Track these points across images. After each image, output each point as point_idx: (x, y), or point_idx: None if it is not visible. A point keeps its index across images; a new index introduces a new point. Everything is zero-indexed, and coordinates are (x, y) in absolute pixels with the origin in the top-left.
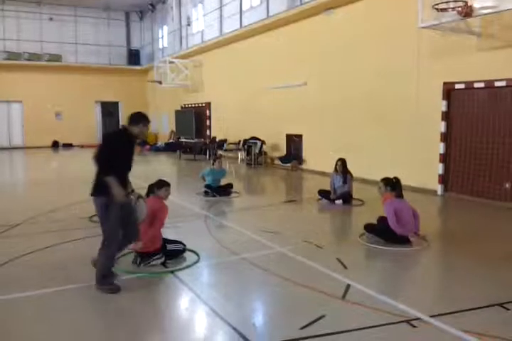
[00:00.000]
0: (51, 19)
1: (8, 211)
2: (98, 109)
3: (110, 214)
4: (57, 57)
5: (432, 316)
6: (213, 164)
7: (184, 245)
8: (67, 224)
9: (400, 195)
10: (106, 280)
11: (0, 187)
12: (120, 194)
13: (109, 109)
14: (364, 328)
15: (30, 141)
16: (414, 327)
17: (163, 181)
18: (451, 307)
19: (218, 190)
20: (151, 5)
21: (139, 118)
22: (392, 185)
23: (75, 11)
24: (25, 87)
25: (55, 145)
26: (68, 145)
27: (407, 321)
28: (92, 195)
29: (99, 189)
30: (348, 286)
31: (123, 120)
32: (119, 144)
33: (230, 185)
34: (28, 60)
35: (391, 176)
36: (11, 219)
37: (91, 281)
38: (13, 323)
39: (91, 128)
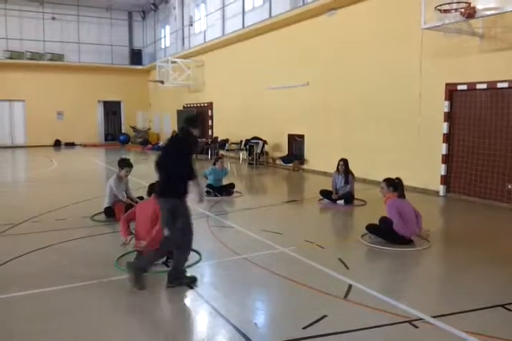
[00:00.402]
0: (54, 19)
1: (11, 210)
2: (100, 109)
3: (185, 214)
4: (59, 57)
5: (434, 317)
6: (215, 164)
7: None
8: (69, 223)
9: (402, 195)
10: (180, 276)
11: (2, 186)
12: (204, 194)
13: (112, 109)
14: (366, 328)
15: (33, 140)
16: (417, 327)
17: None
18: (454, 308)
19: (220, 190)
20: (154, 5)
21: (197, 122)
22: (395, 185)
23: (78, 11)
24: (27, 86)
25: (57, 144)
26: (70, 145)
27: (410, 321)
28: (162, 196)
29: (172, 191)
30: (350, 286)
31: (125, 119)
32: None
33: (231, 185)
34: (31, 59)
35: (393, 177)
36: (13, 218)
37: (93, 280)
38: (14, 322)
39: (93, 128)
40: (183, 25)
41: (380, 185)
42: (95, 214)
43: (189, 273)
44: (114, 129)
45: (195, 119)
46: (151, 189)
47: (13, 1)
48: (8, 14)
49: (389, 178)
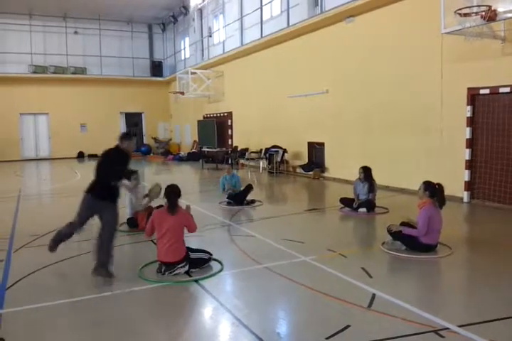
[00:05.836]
0: (76, 33)
1: (36, 221)
2: (122, 120)
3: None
4: (82, 70)
5: (460, 326)
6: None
7: (210, 254)
8: (94, 233)
9: (441, 202)
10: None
11: (28, 198)
12: None
13: (134, 120)
14: (391, 338)
15: (57, 152)
16: (442, 337)
17: (174, 186)
18: (480, 317)
19: (241, 199)
20: (173, 17)
21: (127, 136)
22: (432, 190)
23: (99, 25)
24: (51, 99)
25: (81, 156)
26: (94, 156)
27: (435, 331)
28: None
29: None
30: (374, 296)
31: (147, 130)
32: None
33: (249, 186)
34: (54, 73)
35: (435, 181)
36: (39, 229)
37: (117, 290)
38: (48, 332)
39: (115, 139)
40: (202, 36)
41: (419, 186)
42: (119, 225)
43: (212, 282)
44: (135, 140)
45: (124, 135)
46: (175, 199)
47: (37, 16)
48: (32, 30)
49: (429, 182)
